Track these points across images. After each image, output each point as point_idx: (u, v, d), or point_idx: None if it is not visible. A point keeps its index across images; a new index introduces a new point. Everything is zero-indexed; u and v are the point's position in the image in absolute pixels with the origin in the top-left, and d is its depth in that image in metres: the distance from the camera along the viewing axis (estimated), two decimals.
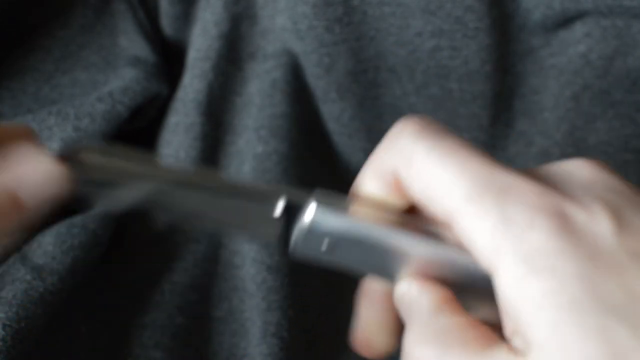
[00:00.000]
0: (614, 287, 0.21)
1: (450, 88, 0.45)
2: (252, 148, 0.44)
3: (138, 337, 0.38)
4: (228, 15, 0.45)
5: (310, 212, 0.25)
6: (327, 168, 0.46)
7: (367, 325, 0.29)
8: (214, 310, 0.41)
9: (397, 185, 0.26)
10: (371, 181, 0.26)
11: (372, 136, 0.46)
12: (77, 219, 0.39)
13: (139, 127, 0.45)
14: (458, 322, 0.24)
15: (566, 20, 0.43)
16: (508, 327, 0.23)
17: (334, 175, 0.46)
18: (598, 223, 0.22)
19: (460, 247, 0.24)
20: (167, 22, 0.48)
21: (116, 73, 0.45)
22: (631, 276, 0.22)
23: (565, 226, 0.22)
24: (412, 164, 0.25)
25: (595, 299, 0.21)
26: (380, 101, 0.45)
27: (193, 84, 0.45)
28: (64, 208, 0.41)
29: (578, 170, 0.24)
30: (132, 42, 0.46)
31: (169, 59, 0.48)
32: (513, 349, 0.22)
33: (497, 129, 0.46)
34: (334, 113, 0.45)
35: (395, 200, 0.26)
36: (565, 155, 0.45)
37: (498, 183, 0.23)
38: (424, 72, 0.44)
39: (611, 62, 0.43)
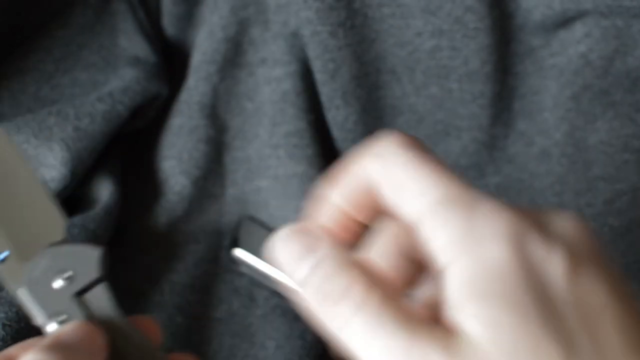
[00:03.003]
0: (544, 329, 0.22)
1: (450, 88, 0.45)
2: (271, 167, 0.44)
3: None
4: (236, 20, 0.45)
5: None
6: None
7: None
8: (214, 311, 0.41)
9: (363, 195, 0.26)
10: (342, 185, 0.26)
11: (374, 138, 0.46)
12: (77, 219, 0.39)
13: (139, 127, 0.45)
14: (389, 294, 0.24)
15: (566, 20, 0.43)
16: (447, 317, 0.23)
17: None
18: (552, 262, 0.23)
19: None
20: (169, 22, 0.48)
21: (116, 73, 0.45)
22: (565, 319, 0.22)
23: (522, 251, 0.23)
24: (390, 165, 0.25)
25: (526, 334, 0.22)
26: (381, 103, 0.45)
27: (198, 86, 0.45)
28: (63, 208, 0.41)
29: (561, 219, 0.25)
30: (132, 42, 0.46)
31: (170, 59, 0.48)
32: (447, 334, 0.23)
33: (497, 129, 0.46)
34: (339, 120, 0.45)
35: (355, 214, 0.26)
36: (566, 155, 0.45)
37: (471, 196, 0.24)
38: (424, 72, 0.44)
39: (611, 62, 0.43)
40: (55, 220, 0.30)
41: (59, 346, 0.27)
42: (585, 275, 0.23)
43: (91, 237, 0.39)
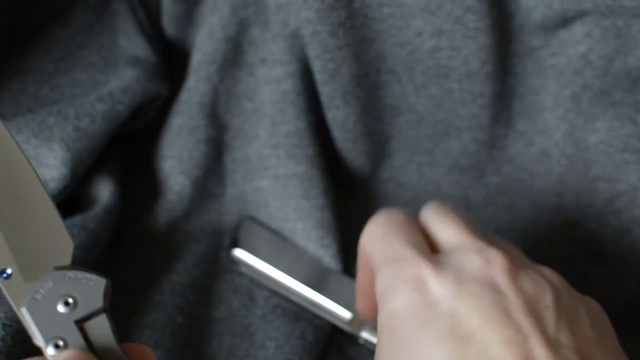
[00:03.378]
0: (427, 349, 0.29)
1: (450, 88, 0.45)
2: (271, 167, 0.44)
3: (138, 337, 0.39)
4: (236, 20, 0.45)
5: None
6: (332, 175, 0.46)
7: (362, 289, 0.37)
8: (214, 311, 0.41)
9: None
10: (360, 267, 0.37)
11: (374, 138, 0.46)
12: (77, 219, 0.39)
13: (139, 127, 0.45)
14: None
15: (566, 20, 0.43)
16: None
17: (339, 183, 0.46)
18: (443, 286, 0.30)
19: None
20: (169, 22, 0.48)
21: (116, 73, 0.45)
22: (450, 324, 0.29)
23: (419, 291, 0.30)
24: (369, 242, 0.35)
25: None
26: (381, 103, 0.45)
27: (198, 86, 0.45)
28: (63, 208, 0.41)
29: (467, 258, 0.32)
30: (132, 42, 0.46)
31: (170, 59, 0.48)
32: None
33: (497, 128, 0.46)
34: (339, 119, 0.45)
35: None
36: (566, 155, 0.45)
37: (396, 256, 0.32)
38: (424, 73, 0.44)
39: (611, 62, 0.43)
40: (63, 244, 0.30)
41: None
42: (465, 293, 0.30)
43: (91, 237, 0.39)
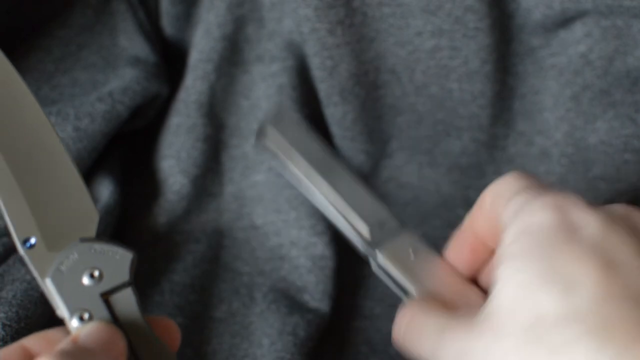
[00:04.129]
0: (564, 268, 0.27)
1: (450, 88, 0.45)
2: (265, 160, 0.44)
3: None
4: (232, 18, 0.45)
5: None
6: None
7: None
8: (214, 310, 0.41)
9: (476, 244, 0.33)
10: (462, 240, 0.34)
11: (373, 137, 0.46)
12: None
13: (139, 127, 0.45)
14: None
15: (566, 20, 0.43)
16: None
17: None
18: (590, 220, 0.29)
19: None
20: (168, 22, 0.48)
21: (116, 73, 0.45)
22: (581, 265, 0.27)
23: (563, 216, 0.29)
24: (500, 194, 0.32)
25: (543, 275, 0.28)
26: (381, 102, 0.45)
27: (195, 85, 0.45)
28: None
29: (613, 206, 0.30)
30: (132, 42, 0.46)
31: (169, 59, 0.48)
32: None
33: (497, 128, 0.46)
34: (337, 116, 0.45)
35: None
36: (566, 155, 0.45)
37: (535, 188, 0.30)
38: (424, 72, 0.44)
39: (611, 62, 0.43)
40: (88, 215, 0.29)
41: (78, 351, 0.26)
42: (613, 229, 0.28)
43: None
